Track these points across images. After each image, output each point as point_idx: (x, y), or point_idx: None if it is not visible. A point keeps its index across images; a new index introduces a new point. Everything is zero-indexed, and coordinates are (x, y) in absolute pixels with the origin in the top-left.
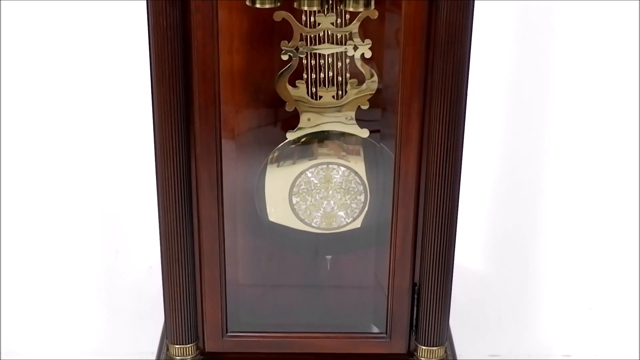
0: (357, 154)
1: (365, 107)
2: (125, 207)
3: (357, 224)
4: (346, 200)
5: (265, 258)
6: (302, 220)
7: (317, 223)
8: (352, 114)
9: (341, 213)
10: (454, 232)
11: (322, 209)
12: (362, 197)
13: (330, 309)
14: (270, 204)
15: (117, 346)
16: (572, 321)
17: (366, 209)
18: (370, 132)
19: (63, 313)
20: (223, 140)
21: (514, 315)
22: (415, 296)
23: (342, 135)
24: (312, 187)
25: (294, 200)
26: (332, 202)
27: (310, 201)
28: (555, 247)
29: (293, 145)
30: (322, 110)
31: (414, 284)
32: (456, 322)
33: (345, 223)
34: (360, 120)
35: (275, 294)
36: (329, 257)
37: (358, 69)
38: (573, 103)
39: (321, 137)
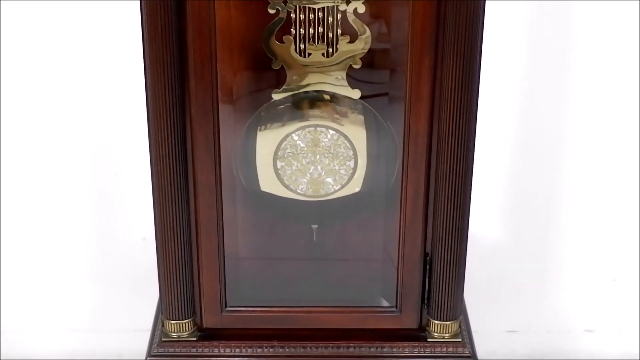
0: (350, 117)
1: (357, 66)
2: (117, 174)
3: (346, 191)
4: (334, 165)
5: (266, 230)
6: (287, 187)
7: (303, 190)
8: (343, 73)
9: (329, 179)
10: (468, 197)
11: (308, 175)
12: (352, 163)
13: (336, 283)
14: (260, 172)
15: (110, 322)
16: (595, 294)
17: (355, 175)
18: (372, 95)
19: (52, 286)
20: (220, 104)
21: (532, 287)
22: (427, 267)
23: (335, 97)
24: (298, 151)
25: (279, 164)
26: (319, 167)
27: (296, 166)
28: (577, 214)
29: (282, 107)
30: (310, 69)
31: (425, 254)
32: (471, 294)
33: (333, 190)
34: (358, 81)
35: (278, 268)
36: (314, 226)
37: (350, 24)
38: (597, 63)
39: (313, 99)
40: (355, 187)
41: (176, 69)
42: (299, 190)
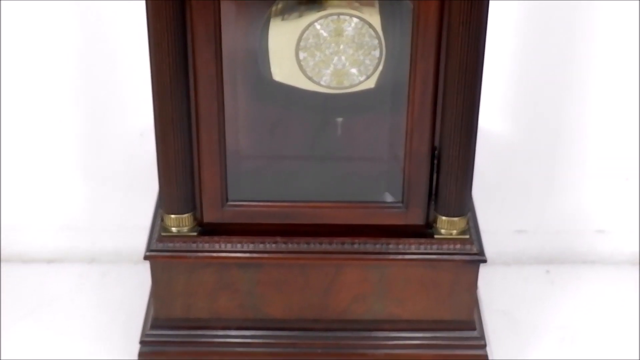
0: (372, 4)
1: None
2: (114, 66)
3: (371, 83)
4: (359, 55)
5: (269, 127)
6: (310, 78)
7: (327, 81)
8: None
9: (353, 70)
10: (479, 89)
11: (332, 66)
12: (377, 53)
13: (341, 180)
14: (274, 62)
15: (108, 219)
16: (607, 193)
17: (381, 66)
18: None
19: (47, 183)
20: None
21: (543, 186)
22: (435, 161)
23: None
24: (321, 41)
25: (301, 56)
26: (343, 57)
27: (319, 57)
28: (590, 111)
29: None
30: None
31: (433, 148)
32: (480, 192)
33: (357, 82)
34: None
35: (281, 166)
36: (339, 119)
37: None
38: None
39: None
40: (370, 83)
41: None
42: (322, 82)
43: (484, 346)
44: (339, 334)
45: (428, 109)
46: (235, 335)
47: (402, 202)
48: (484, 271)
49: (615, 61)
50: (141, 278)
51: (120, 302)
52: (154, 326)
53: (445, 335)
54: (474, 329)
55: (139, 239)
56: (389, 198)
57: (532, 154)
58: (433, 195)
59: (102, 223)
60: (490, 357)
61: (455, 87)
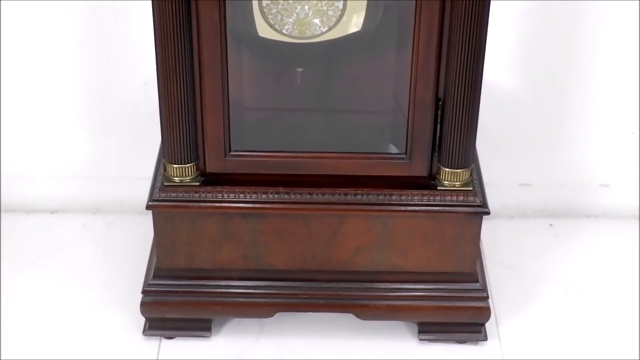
0: None
1: None
2: (116, 14)
3: (333, 34)
4: (322, 6)
5: (273, 79)
6: (271, 26)
7: (289, 30)
8: None
9: (316, 20)
10: (484, 39)
11: (294, 15)
12: (340, 4)
13: (345, 132)
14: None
15: (110, 169)
16: (612, 146)
17: (344, 17)
18: None
19: (50, 133)
20: None
21: (547, 139)
22: (439, 112)
23: None
24: None
25: (264, 3)
26: (306, 7)
27: (282, 5)
28: (597, 63)
29: None
30: None
31: (437, 99)
32: (483, 144)
33: (320, 32)
34: None
35: (284, 117)
36: (299, 69)
37: None
38: None
39: None
40: (353, 27)
41: None
42: (284, 31)
43: (486, 298)
44: (341, 284)
45: (432, 58)
46: (237, 286)
47: (406, 153)
48: (487, 224)
49: (623, 15)
50: (145, 229)
51: (124, 252)
52: (156, 276)
53: (447, 287)
54: (477, 281)
55: (143, 189)
56: (393, 150)
57: (537, 107)
58: (437, 146)
59: (107, 173)
60: (492, 309)
61: (460, 35)
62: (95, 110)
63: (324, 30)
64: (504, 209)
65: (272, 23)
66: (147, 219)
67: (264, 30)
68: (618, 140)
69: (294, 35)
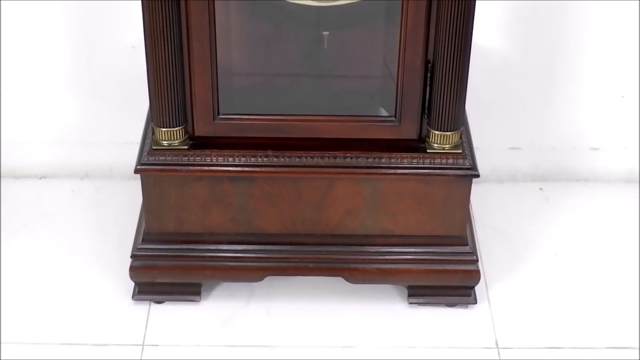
0: None
1: None
2: None
3: None
4: None
5: (262, 43)
6: None
7: None
8: None
9: None
10: (473, 1)
11: None
12: None
13: (335, 96)
14: None
15: (99, 134)
16: (602, 110)
17: None
18: None
19: (36, 98)
20: None
21: (537, 103)
22: (428, 75)
23: None
24: None
25: None
26: None
27: None
28: (587, 26)
29: None
30: None
31: (427, 62)
32: (473, 108)
33: None
34: None
35: (273, 82)
36: (326, 33)
37: None
38: None
39: None
40: None
41: None
42: None
43: (475, 261)
44: (331, 248)
45: (422, 20)
46: (227, 250)
47: (395, 115)
48: (477, 188)
49: None
50: (134, 194)
51: (113, 217)
52: (145, 240)
53: (437, 250)
54: (466, 245)
55: (132, 154)
56: (382, 112)
57: (528, 71)
58: (426, 109)
59: (95, 138)
60: (482, 273)
61: None
62: (83, 75)
63: None
64: (494, 172)
65: None
66: (137, 184)
67: None
68: (608, 103)
69: None
